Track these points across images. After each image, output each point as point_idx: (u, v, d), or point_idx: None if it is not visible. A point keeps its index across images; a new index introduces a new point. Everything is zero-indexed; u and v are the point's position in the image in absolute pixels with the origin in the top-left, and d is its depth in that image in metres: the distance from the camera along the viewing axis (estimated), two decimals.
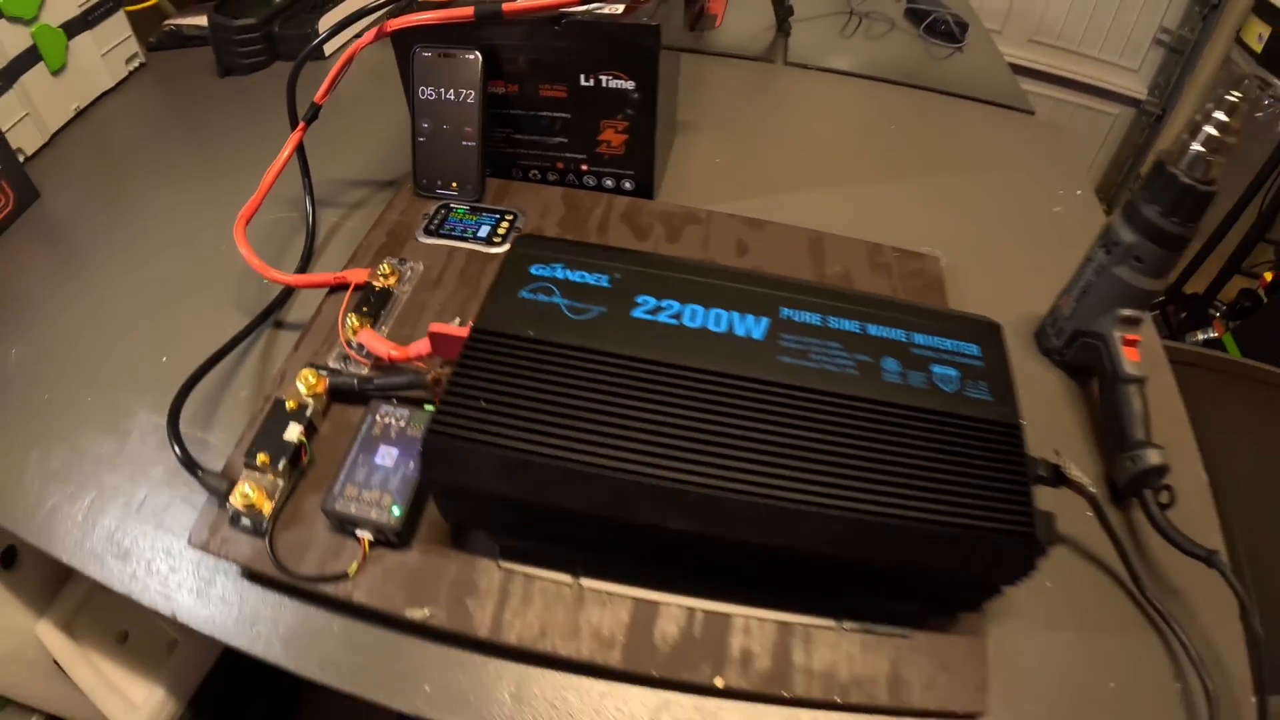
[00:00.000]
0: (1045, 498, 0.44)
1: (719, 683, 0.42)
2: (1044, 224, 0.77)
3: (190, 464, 0.50)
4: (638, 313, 0.45)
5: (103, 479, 0.57)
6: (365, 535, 0.47)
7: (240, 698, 0.96)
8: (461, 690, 0.45)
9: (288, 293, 0.65)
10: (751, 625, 0.45)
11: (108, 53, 0.93)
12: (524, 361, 0.43)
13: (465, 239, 0.64)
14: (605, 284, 0.47)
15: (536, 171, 0.71)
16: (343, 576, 0.46)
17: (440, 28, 0.60)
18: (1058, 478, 0.46)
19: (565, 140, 0.67)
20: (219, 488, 0.49)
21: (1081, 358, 0.60)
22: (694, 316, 0.46)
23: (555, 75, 0.63)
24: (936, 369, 0.45)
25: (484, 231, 0.64)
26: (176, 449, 0.51)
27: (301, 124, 0.65)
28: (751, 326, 0.45)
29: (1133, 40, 1.97)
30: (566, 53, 0.61)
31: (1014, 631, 0.48)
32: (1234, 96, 0.48)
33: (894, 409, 0.43)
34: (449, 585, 0.46)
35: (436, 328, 0.48)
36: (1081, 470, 0.48)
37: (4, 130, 0.80)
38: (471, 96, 0.63)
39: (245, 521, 0.48)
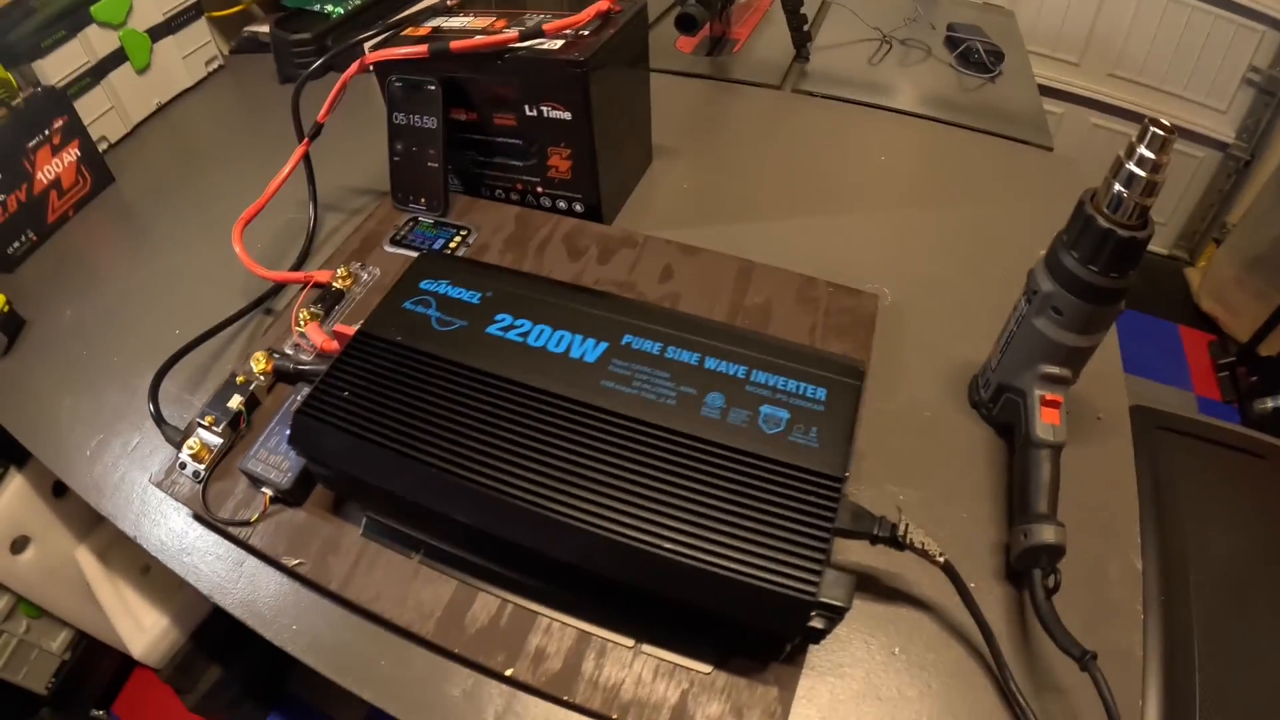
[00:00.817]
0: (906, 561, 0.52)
1: (509, 672, 0.52)
2: (1024, 266, 0.81)
3: (159, 419, 0.71)
4: (492, 329, 0.57)
5: (111, 425, 0.79)
6: (268, 492, 0.65)
7: (235, 641, 1.21)
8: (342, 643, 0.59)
9: (280, 285, 0.84)
10: (554, 628, 0.54)
11: (188, 55, 1.18)
12: (387, 362, 0.56)
13: (423, 250, 0.79)
14: (475, 301, 0.61)
15: (501, 191, 0.84)
16: (246, 523, 0.64)
17: (406, 61, 0.76)
18: (895, 540, 0.49)
19: (520, 164, 0.80)
20: (174, 439, 0.69)
21: (1005, 414, 0.61)
22: (539, 336, 0.56)
23: (504, 105, 0.75)
24: (765, 409, 0.51)
25: (439, 244, 0.78)
26: (151, 406, 0.72)
27: (305, 140, 0.86)
28: (588, 349, 0.55)
29: (1220, 79, 1.92)
30: (511, 85, 0.74)
31: (844, 696, 0.51)
32: (1160, 130, 0.46)
33: (700, 444, 0.49)
34: (320, 543, 0.60)
35: (340, 328, 0.66)
36: (981, 536, 0.55)
37: (91, 121, 1.05)
38: (433, 122, 0.77)
39: (190, 469, 0.68)
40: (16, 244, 0.99)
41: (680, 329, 0.57)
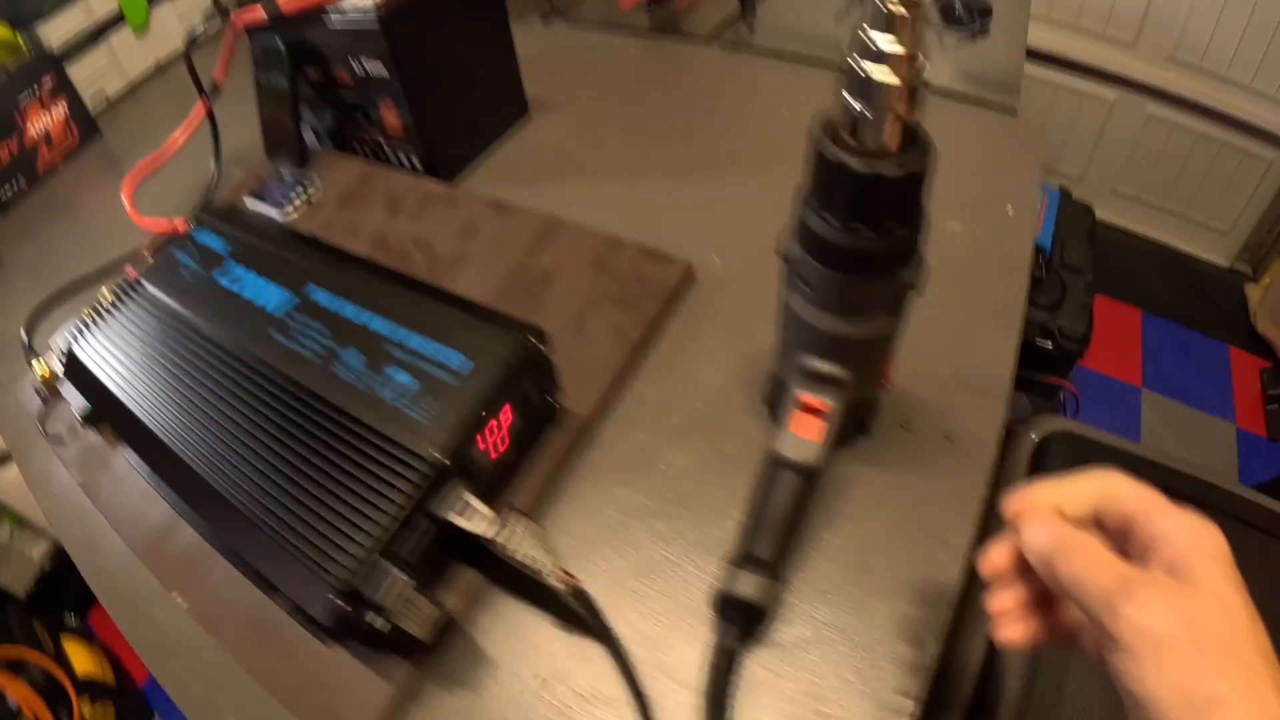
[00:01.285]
0: None
1: (180, 600, 0.60)
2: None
3: (27, 347, 0.86)
4: (221, 278, 0.63)
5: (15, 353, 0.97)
6: (77, 416, 0.79)
7: None
8: None
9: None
10: (224, 566, 0.59)
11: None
12: (142, 303, 0.65)
13: (272, 204, 0.87)
14: (220, 251, 0.68)
15: (358, 145, 0.91)
16: (62, 440, 0.79)
17: (268, 22, 0.83)
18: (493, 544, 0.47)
19: (365, 120, 0.85)
20: (30, 361, 0.85)
21: (778, 413, 0.52)
22: (247, 285, 0.62)
23: (337, 63, 0.81)
24: (394, 374, 0.53)
25: (287, 197, 0.87)
26: (22, 335, 0.88)
27: (203, 99, 0.98)
28: (274, 298, 0.60)
29: None
30: (336, 44, 0.79)
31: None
32: (896, 5, 0.34)
33: (316, 403, 0.52)
34: (100, 462, 0.70)
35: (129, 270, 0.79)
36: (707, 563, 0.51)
37: (90, 78, 1.24)
38: (283, 81, 0.85)
39: (39, 389, 0.83)
40: (7, 190, 1.18)
41: (363, 284, 0.60)
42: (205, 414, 0.56)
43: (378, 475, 0.48)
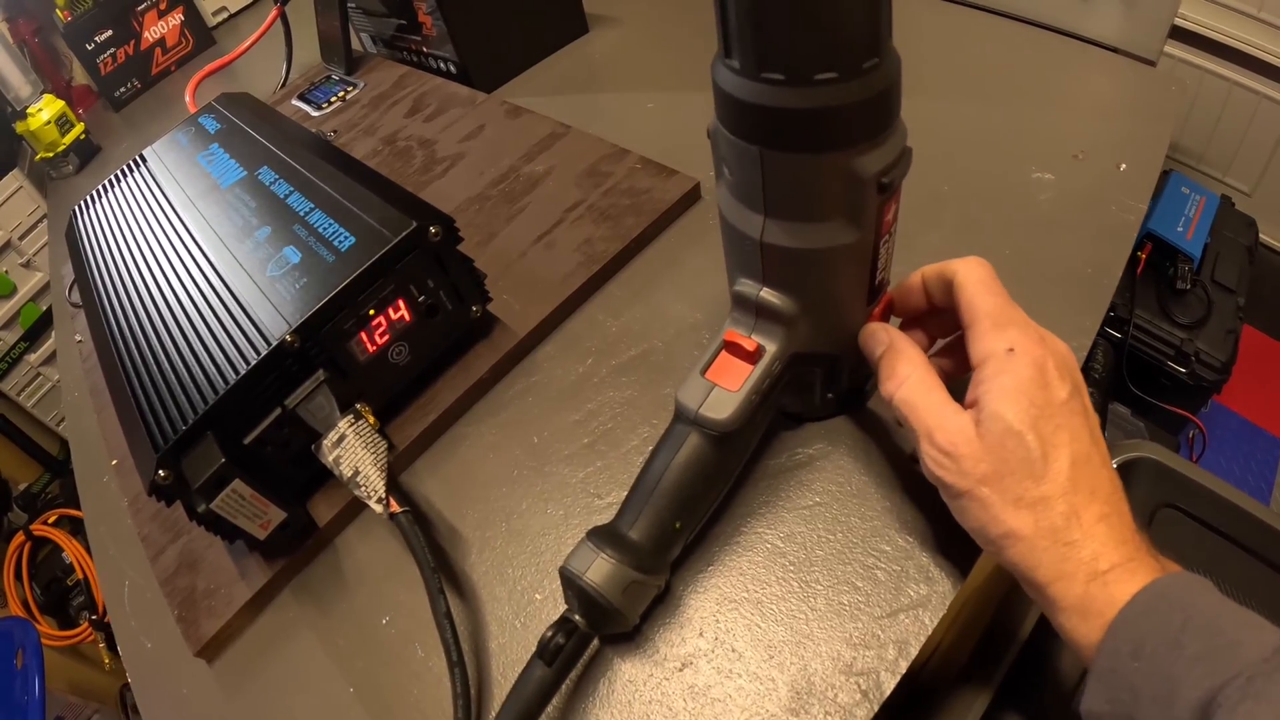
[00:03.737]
0: None
1: (113, 463, 0.63)
2: (999, 191, 0.60)
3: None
4: (199, 155, 0.67)
5: None
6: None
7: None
8: None
9: None
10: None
11: None
12: (139, 174, 0.69)
13: (311, 103, 0.91)
14: (211, 130, 0.69)
15: (406, 52, 0.92)
16: (79, 305, 0.80)
17: None
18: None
19: (405, 23, 0.86)
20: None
21: None
22: (216, 163, 0.65)
23: None
24: (287, 250, 0.52)
25: (328, 98, 0.90)
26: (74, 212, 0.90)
27: (278, 6, 0.98)
28: (229, 177, 0.62)
29: None
30: None
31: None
32: None
33: (210, 271, 0.53)
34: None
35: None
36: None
37: None
38: None
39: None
40: (124, 89, 1.27)
41: (309, 167, 0.59)
42: (139, 278, 0.58)
43: (224, 348, 0.47)
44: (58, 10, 1.26)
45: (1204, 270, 1.28)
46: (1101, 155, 0.61)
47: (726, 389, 0.37)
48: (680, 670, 0.40)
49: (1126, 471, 0.60)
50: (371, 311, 0.49)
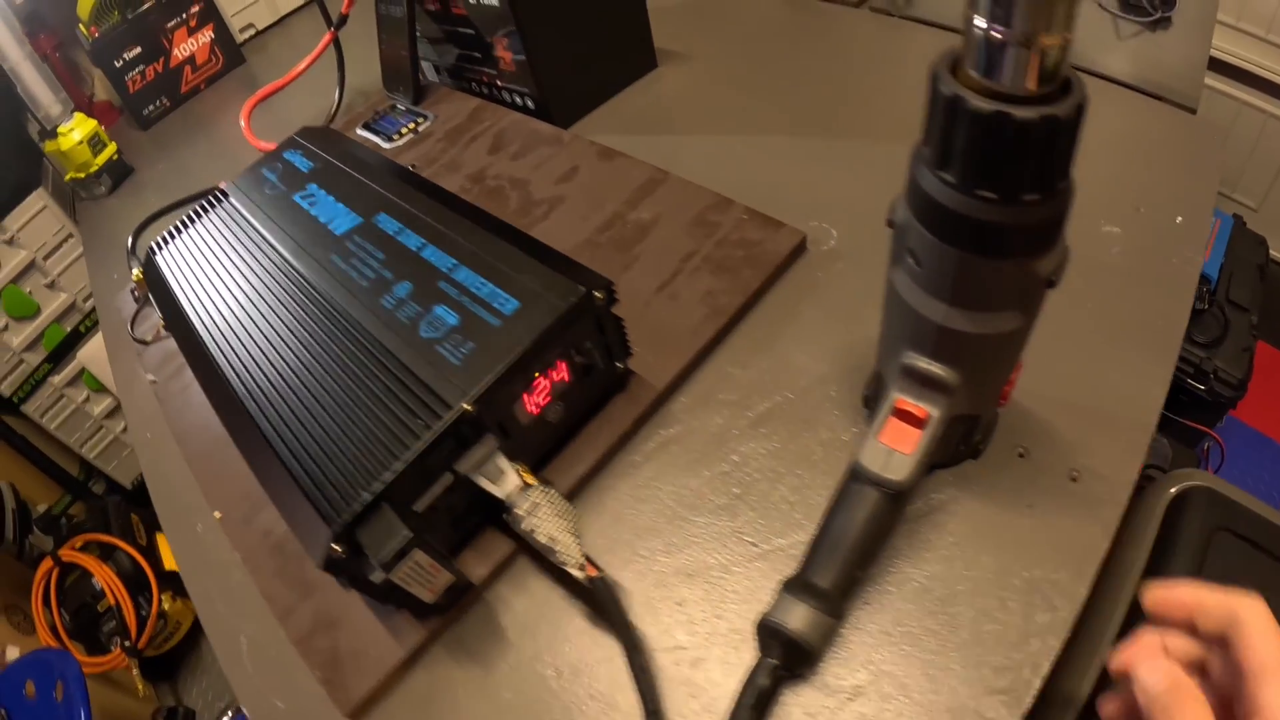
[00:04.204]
0: None
1: (217, 515, 0.59)
2: (1077, 244, 0.61)
3: (130, 251, 0.86)
4: (296, 195, 0.63)
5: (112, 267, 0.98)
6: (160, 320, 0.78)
7: None
8: None
9: None
10: (259, 489, 0.56)
11: None
12: (221, 211, 0.67)
13: (381, 134, 0.87)
14: (304, 170, 0.67)
15: (475, 83, 0.89)
16: (144, 342, 0.78)
17: None
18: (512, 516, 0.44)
19: (479, 55, 0.84)
20: (132, 266, 0.85)
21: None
22: (321, 206, 0.61)
23: None
24: (439, 310, 0.49)
25: (396, 129, 0.86)
26: (129, 241, 0.87)
27: (331, 30, 0.96)
28: (343, 222, 0.59)
29: None
30: None
31: (455, 683, 0.47)
32: None
33: (355, 330, 0.50)
34: (174, 369, 0.72)
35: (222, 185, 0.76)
36: (766, 575, 0.45)
37: (240, 9, 1.29)
38: (400, 11, 0.84)
39: (135, 294, 0.83)
40: (151, 107, 1.23)
41: (434, 216, 0.57)
42: (254, 328, 0.56)
43: (397, 415, 0.44)
44: (81, 26, 1.22)
45: (1219, 290, 1.31)
46: (1159, 207, 0.62)
47: (902, 452, 0.40)
48: (850, 700, 0.42)
49: (1181, 500, 0.63)
50: (536, 374, 0.47)
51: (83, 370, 1.32)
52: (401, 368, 0.47)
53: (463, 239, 0.54)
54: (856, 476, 0.41)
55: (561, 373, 0.50)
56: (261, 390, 0.51)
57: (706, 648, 0.45)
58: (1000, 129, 0.29)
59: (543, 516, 0.44)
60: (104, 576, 1.24)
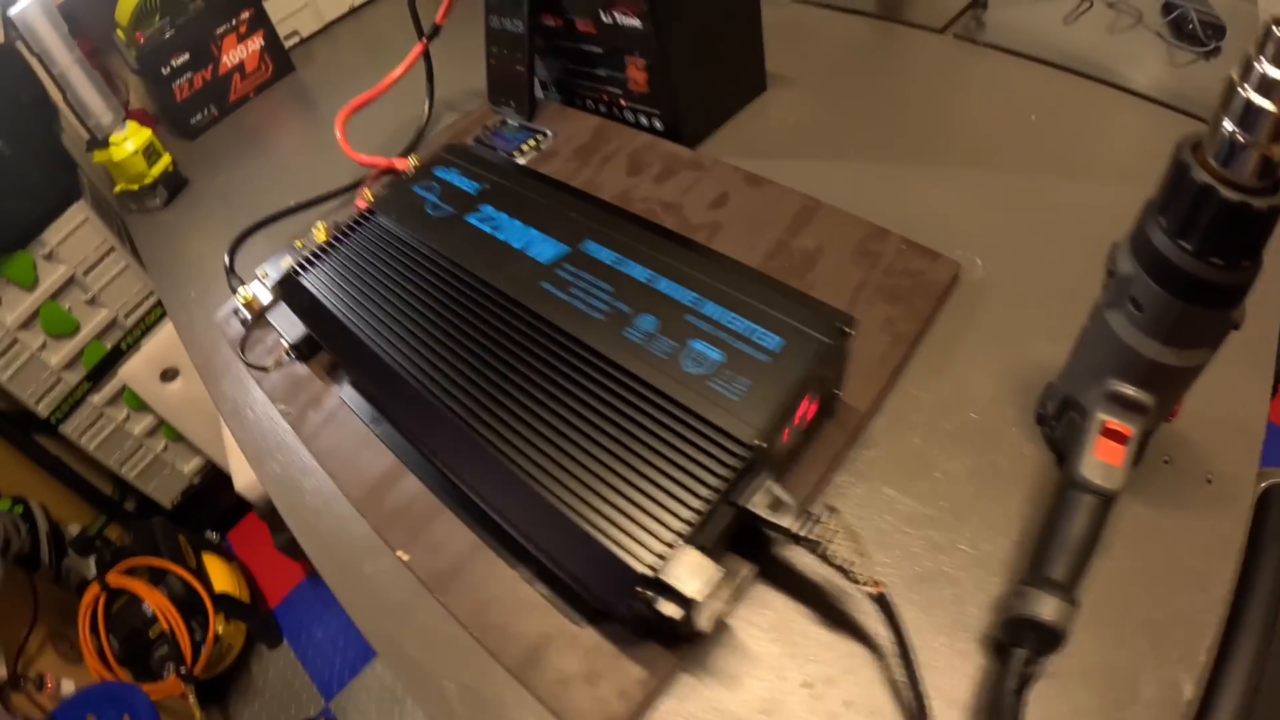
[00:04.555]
0: None
1: (402, 556, 0.54)
2: None
3: (229, 269, 0.77)
4: (472, 218, 0.58)
5: (216, 274, 0.88)
6: (284, 343, 0.69)
7: None
8: None
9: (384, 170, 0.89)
10: (457, 528, 0.54)
11: None
12: (373, 238, 0.59)
13: (499, 149, 0.81)
14: (472, 191, 0.60)
15: (591, 101, 0.84)
16: (264, 368, 0.69)
17: None
18: (813, 546, 0.42)
19: (603, 73, 0.79)
20: (234, 287, 0.75)
21: (1065, 436, 0.48)
22: (509, 230, 0.56)
23: (583, 10, 0.75)
24: (697, 345, 0.46)
25: (515, 146, 0.80)
26: (225, 258, 0.77)
27: (424, 40, 0.88)
28: (545, 249, 0.54)
29: None
30: None
31: (725, 710, 0.44)
32: None
33: (607, 366, 0.46)
34: (308, 397, 0.65)
35: (359, 203, 0.67)
36: (980, 581, 0.45)
37: (286, 16, 1.19)
38: (520, 26, 0.79)
39: (240, 315, 0.74)
40: (199, 116, 1.13)
41: (649, 245, 0.53)
42: (463, 361, 0.50)
43: (682, 452, 0.41)
44: (120, 32, 1.10)
45: None
46: None
47: (1114, 465, 0.44)
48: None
49: (1266, 497, 0.61)
50: (797, 405, 0.45)
51: (124, 388, 1.19)
52: (673, 403, 0.43)
53: (689, 269, 0.51)
54: (1078, 486, 0.44)
55: (813, 403, 0.47)
56: (500, 429, 0.46)
57: (942, 648, 0.45)
58: (1241, 215, 0.35)
59: (839, 540, 0.42)
60: (156, 602, 1.13)
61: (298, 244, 0.76)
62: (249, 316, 0.73)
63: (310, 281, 0.59)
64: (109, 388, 1.19)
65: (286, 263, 0.73)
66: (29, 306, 1.07)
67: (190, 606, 1.17)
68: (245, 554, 1.45)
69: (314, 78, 1.20)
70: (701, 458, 0.41)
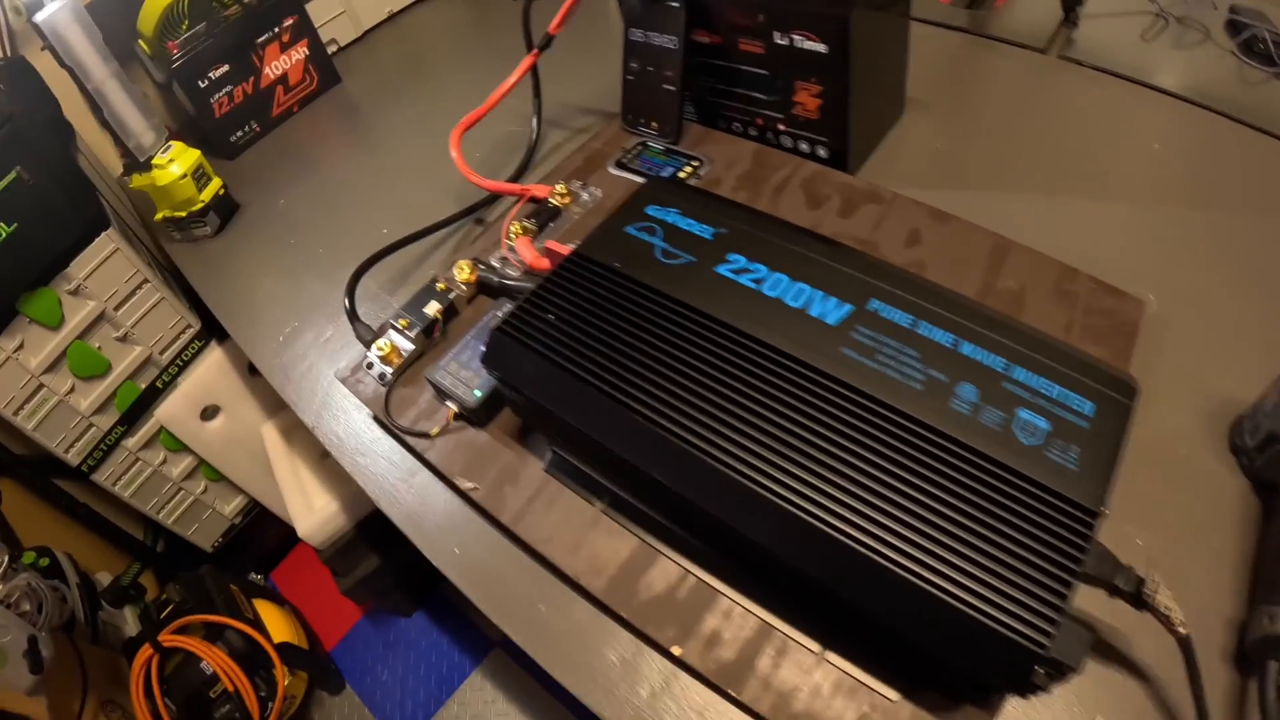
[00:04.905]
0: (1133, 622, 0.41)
1: (676, 650, 0.46)
2: None
3: (352, 314, 0.63)
4: (723, 269, 0.48)
5: (307, 314, 0.75)
6: (452, 407, 0.57)
7: (398, 536, 1.17)
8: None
9: (495, 195, 0.77)
10: (735, 613, 0.47)
11: None
12: (601, 289, 0.49)
13: (649, 175, 0.71)
14: (707, 236, 0.50)
15: (739, 124, 0.75)
16: (425, 435, 0.57)
17: None
18: (1138, 598, 0.40)
19: (764, 97, 0.70)
20: (365, 337, 0.62)
21: (1271, 469, 0.49)
22: (775, 285, 0.48)
23: (752, 30, 0.66)
24: (1023, 414, 0.41)
25: (668, 172, 0.71)
26: (346, 301, 0.64)
27: (535, 50, 0.76)
28: (830, 310, 0.46)
29: None
30: (762, 8, 0.64)
31: None
32: None
33: (944, 441, 0.40)
34: (499, 470, 0.55)
35: (552, 245, 0.55)
36: (1200, 604, 0.42)
37: (323, 23, 1.05)
38: (674, 43, 0.69)
39: (377, 370, 0.61)
40: (240, 133, 0.99)
41: (935, 303, 0.46)
42: (753, 428, 0.42)
43: (1040, 526, 0.37)
44: (142, 43, 0.93)
45: None
46: None
47: None
48: None
49: None
50: None
51: (160, 430, 1.02)
52: (1018, 476, 0.39)
53: (983, 329, 0.44)
54: None
55: None
56: (819, 501, 0.39)
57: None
58: None
59: (1161, 591, 0.40)
60: (216, 660, 0.97)
61: (440, 285, 0.63)
62: (388, 371, 0.60)
63: (529, 337, 0.47)
64: (144, 430, 1.02)
65: (432, 309, 0.61)
66: (55, 347, 0.90)
67: (252, 661, 1.02)
68: (292, 593, 1.29)
69: (359, 89, 1.06)
70: (1057, 530, 0.37)
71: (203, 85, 0.93)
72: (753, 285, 0.48)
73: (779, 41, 0.65)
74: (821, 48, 0.62)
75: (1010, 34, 0.91)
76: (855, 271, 0.48)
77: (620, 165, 0.73)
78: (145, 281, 0.96)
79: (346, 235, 0.82)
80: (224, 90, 0.95)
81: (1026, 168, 0.74)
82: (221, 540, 1.16)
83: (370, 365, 0.62)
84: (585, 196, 0.71)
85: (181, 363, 1.03)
